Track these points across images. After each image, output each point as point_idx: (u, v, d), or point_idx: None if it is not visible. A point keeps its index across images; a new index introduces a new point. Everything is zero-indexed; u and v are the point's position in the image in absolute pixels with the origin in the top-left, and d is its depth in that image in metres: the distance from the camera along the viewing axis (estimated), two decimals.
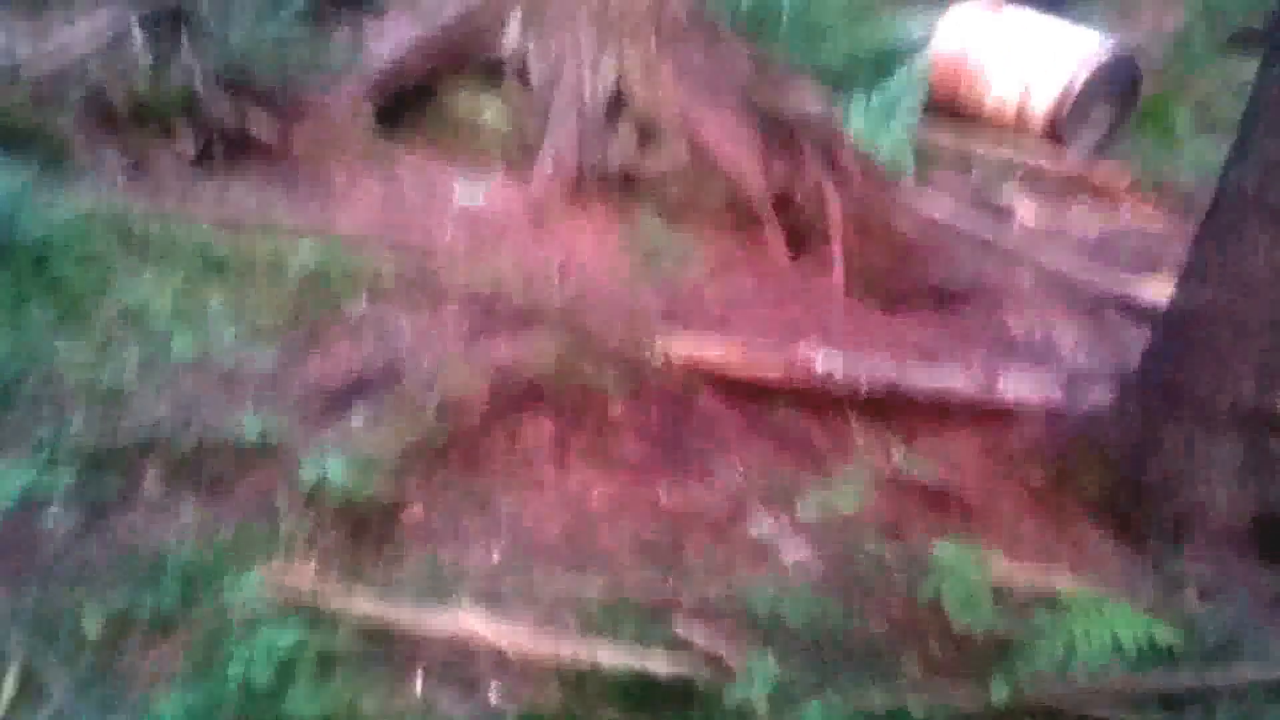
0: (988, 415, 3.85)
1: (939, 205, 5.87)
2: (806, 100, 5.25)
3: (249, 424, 3.26)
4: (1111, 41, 6.84)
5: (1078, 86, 6.60)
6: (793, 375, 3.72)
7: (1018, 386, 3.89)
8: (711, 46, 4.95)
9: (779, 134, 5.00)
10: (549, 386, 3.58)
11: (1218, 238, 3.47)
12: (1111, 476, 3.58)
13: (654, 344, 3.70)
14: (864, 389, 3.75)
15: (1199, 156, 7.56)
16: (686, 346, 3.71)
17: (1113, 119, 7.05)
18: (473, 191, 4.48)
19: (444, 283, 3.93)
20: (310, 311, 3.84)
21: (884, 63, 7.30)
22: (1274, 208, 3.29)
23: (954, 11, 7.19)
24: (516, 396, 3.55)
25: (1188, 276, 3.58)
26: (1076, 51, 6.72)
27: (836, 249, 4.76)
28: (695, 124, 4.73)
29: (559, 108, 4.70)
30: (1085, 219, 6.32)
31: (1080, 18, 8.25)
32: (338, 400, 3.47)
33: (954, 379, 3.85)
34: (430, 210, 4.37)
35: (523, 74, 4.84)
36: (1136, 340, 4.91)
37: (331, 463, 3.20)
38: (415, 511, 3.25)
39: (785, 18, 7.42)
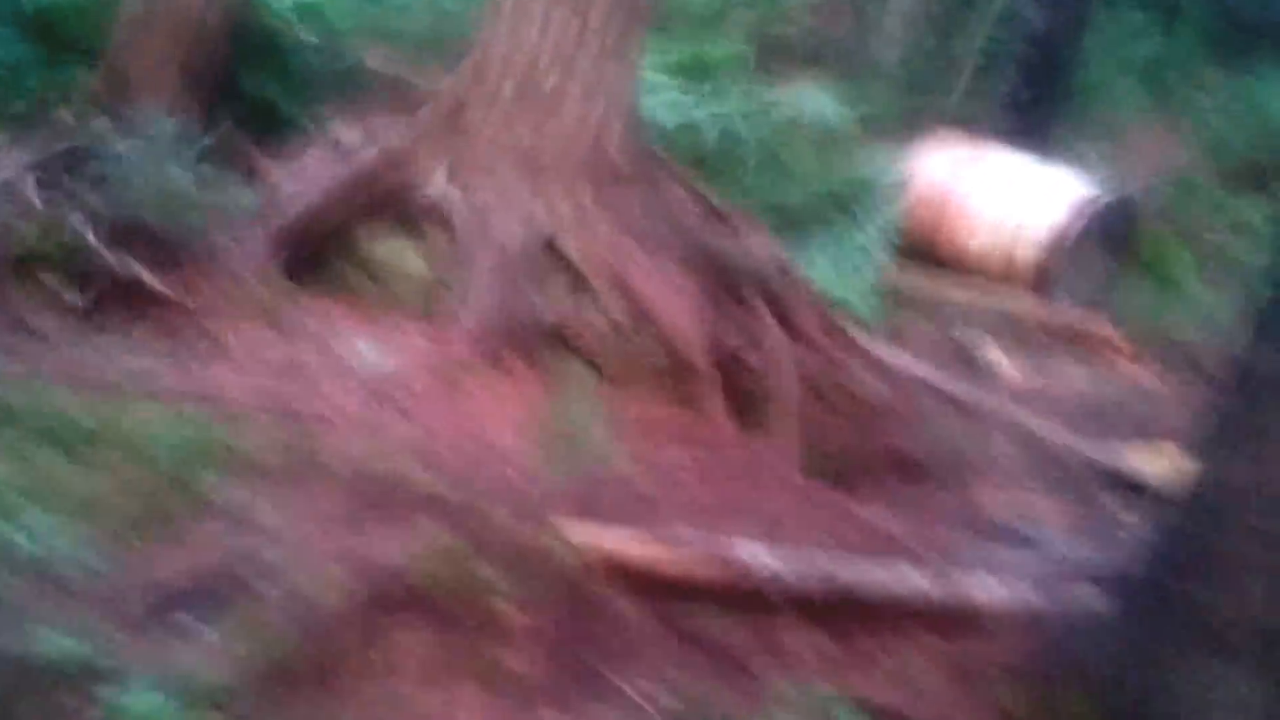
0: (953, 622, 3.27)
1: (909, 362, 5.36)
2: (760, 247, 4.78)
3: (46, 638, 2.69)
4: (1106, 186, 6.41)
5: (1072, 234, 6.15)
6: (725, 575, 3.14)
7: (989, 588, 3.31)
8: (654, 190, 4.49)
9: (727, 286, 4.51)
10: (434, 589, 3.02)
11: (1239, 431, 2.93)
12: (1102, 706, 2.98)
13: (564, 537, 3.15)
14: (809, 592, 3.18)
15: (1203, 308, 7.09)
16: (601, 540, 3.15)
17: (1107, 267, 6.58)
18: (380, 352, 3.98)
19: (329, 461, 3.39)
20: (171, 495, 3.30)
21: (856, 202, 6.89)
22: None
23: (934, 150, 6.79)
24: (393, 602, 2.98)
25: (1204, 472, 3.03)
26: (1069, 196, 6.29)
27: (787, 419, 4.23)
28: (632, 276, 4.24)
29: (483, 259, 4.22)
30: (1074, 377, 5.82)
31: (1076, 158, 7.89)
32: (174, 607, 2.90)
33: (914, 579, 3.27)
34: (331, 374, 3.85)
35: (448, 221, 4.38)
36: (1129, 526, 4.37)
37: (142, 694, 2.62)
38: None
39: (751, 154, 7.03)
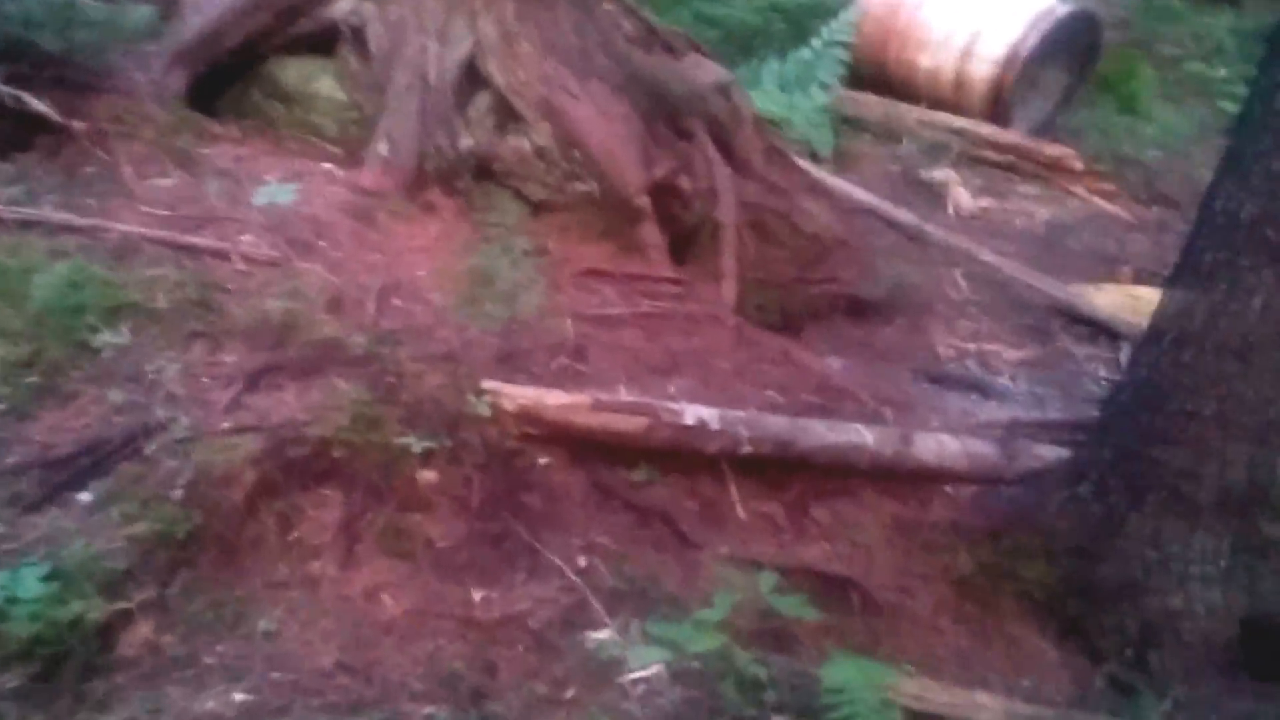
0: (905, 483, 3.06)
1: (859, 191, 5.06)
2: (701, 70, 4.39)
3: None
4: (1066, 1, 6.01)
5: (1025, 51, 5.77)
6: (657, 432, 2.89)
7: (943, 446, 3.10)
8: (586, 8, 4.07)
9: (665, 112, 4.14)
10: (342, 452, 2.75)
11: (1203, 278, 2.68)
12: (1058, 567, 2.81)
13: (482, 393, 2.87)
14: (747, 447, 2.94)
15: (1165, 129, 6.78)
16: (523, 397, 2.87)
17: (1067, 86, 6.23)
18: (289, 185, 3.59)
19: (230, 307, 3.06)
20: (53, 346, 2.97)
21: (802, 22, 6.46)
22: (1277, 244, 2.50)
23: None
24: (298, 467, 2.71)
25: (1164, 324, 2.79)
26: (1025, 10, 5.88)
27: (727, 256, 3.94)
28: (562, 103, 3.85)
29: (399, 84, 3.81)
30: (1032, 205, 5.53)
31: None
32: (60, 480, 2.62)
33: (864, 438, 3.04)
34: (235, 209, 3.48)
35: (360, 42, 3.94)
36: (1085, 368, 4.17)
37: (24, 571, 2.36)
38: (140, 634, 2.42)
39: None
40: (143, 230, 3.36)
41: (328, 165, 3.81)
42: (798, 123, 5.50)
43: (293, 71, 4.07)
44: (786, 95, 5.65)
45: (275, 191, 3.55)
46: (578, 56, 3.94)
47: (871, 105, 5.98)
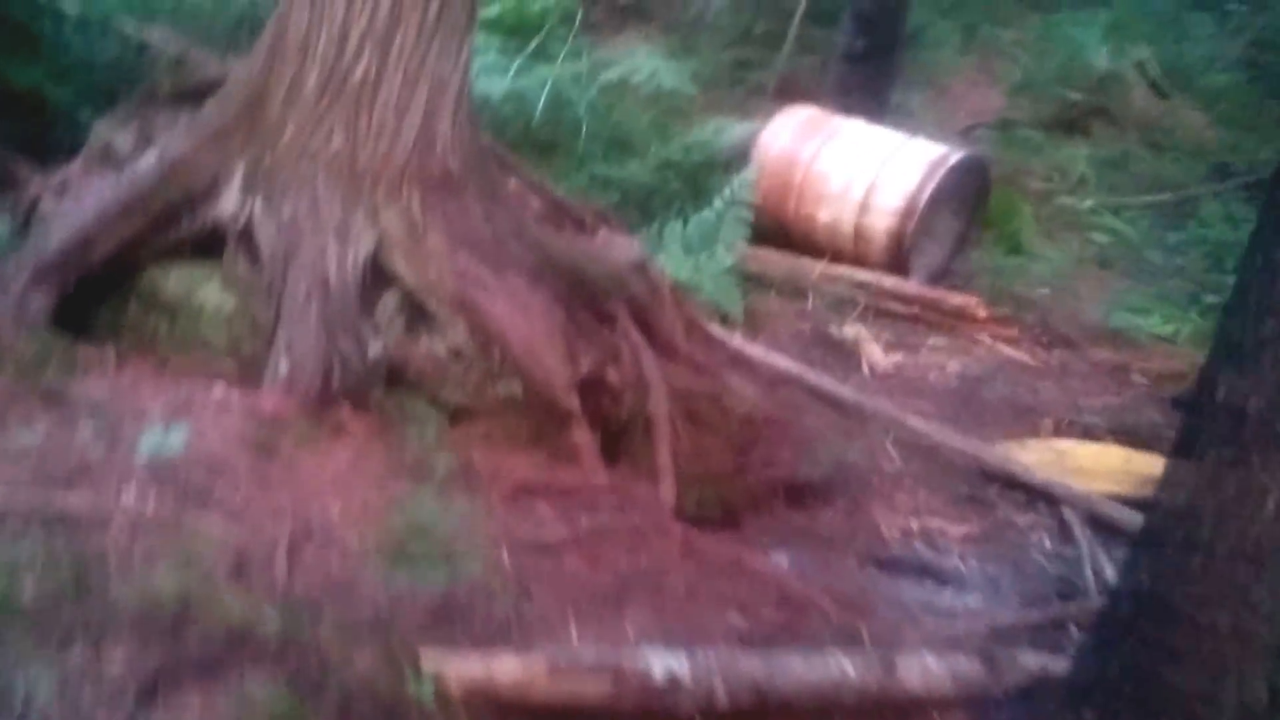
0: (888, 714, 2.71)
1: (779, 359, 4.78)
2: (615, 250, 4.09)
3: None
4: (956, 147, 5.92)
5: (921, 201, 5.63)
6: (625, 697, 2.49)
7: (925, 670, 2.75)
8: (493, 192, 3.73)
9: (584, 298, 3.81)
10: None
11: (1208, 477, 2.41)
12: None
13: (422, 670, 2.43)
14: (723, 701, 2.55)
15: (1048, 266, 6.71)
16: (470, 671, 2.45)
17: (960, 231, 6.12)
18: (176, 419, 3.13)
19: (114, 590, 2.57)
20: None
21: (700, 181, 6.26)
22: None
23: (778, 120, 6.17)
24: None
25: (1165, 528, 2.52)
26: (918, 161, 5.76)
27: (663, 454, 3.59)
28: (477, 299, 3.49)
29: (296, 290, 3.40)
30: (943, 357, 5.32)
31: (903, 114, 7.40)
32: None
33: (841, 668, 2.68)
34: (114, 455, 3.00)
35: (250, 244, 3.53)
36: (1035, 542, 3.92)
37: None
38: None
39: (584, 128, 6.30)
40: (2, 497, 2.84)
41: (221, 388, 3.34)
42: (706, 286, 5.24)
43: (175, 280, 3.61)
44: (691, 258, 5.39)
45: (161, 433, 3.08)
46: (490, 246, 3.59)
47: (775, 262, 5.76)
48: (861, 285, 5.63)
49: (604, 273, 3.88)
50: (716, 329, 4.85)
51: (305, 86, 3.33)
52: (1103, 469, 4.27)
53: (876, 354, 5.15)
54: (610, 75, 6.59)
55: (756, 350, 4.80)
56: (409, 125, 3.37)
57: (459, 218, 3.53)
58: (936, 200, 5.63)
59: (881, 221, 5.69)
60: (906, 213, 5.61)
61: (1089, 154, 8.78)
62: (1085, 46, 10.48)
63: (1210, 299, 6.42)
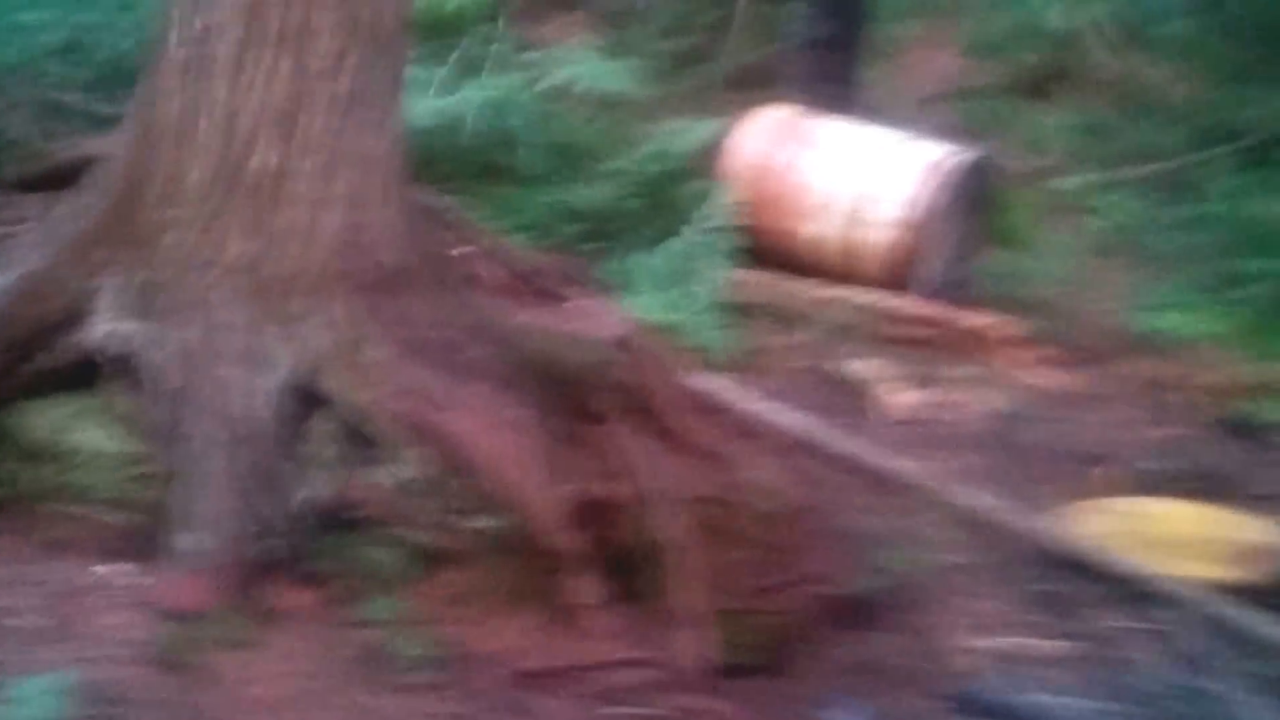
0: None
1: (793, 419, 4.07)
2: (593, 324, 3.33)
3: None
4: (955, 147, 5.20)
5: (920, 212, 4.92)
6: None
7: None
8: (443, 279, 2.96)
9: (564, 399, 3.05)
10: None
11: None
12: None
13: None
14: None
15: (1051, 259, 6.08)
16: None
17: (963, 238, 5.41)
18: (55, 620, 2.35)
19: None
20: None
21: (671, 199, 5.50)
22: None
23: (746, 123, 5.42)
24: None
25: None
26: (914, 165, 5.05)
27: (680, 591, 2.85)
28: (434, 420, 2.72)
29: (196, 437, 2.60)
30: (965, 393, 4.63)
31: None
32: None
33: None
34: None
35: (131, 374, 2.73)
36: (1144, 658, 3.23)
37: None
38: None
39: (530, 146, 5.50)
40: None
41: (107, 570, 2.55)
42: (687, 328, 4.49)
43: (41, 420, 2.80)
44: (666, 293, 4.64)
45: (38, 629, 2.28)
46: (445, 350, 2.81)
47: (758, 286, 5.02)
48: (861, 309, 4.92)
49: (584, 359, 3.12)
50: (708, 381, 4.13)
51: (186, 181, 2.53)
52: (1186, 537, 3.61)
53: (891, 395, 4.44)
54: (547, 82, 5.78)
55: (760, 407, 4.06)
56: (328, 219, 2.58)
57: (402, 321, 2.75)
58: (937, 209, 4.93)
59: (876, 235, 4.98)
60: (906, 225, 4.90)
61: (1057, 122, 8.16)
62: (1035, 3, 9.87)
63: (1231, 293, 5.82)
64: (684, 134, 5.80)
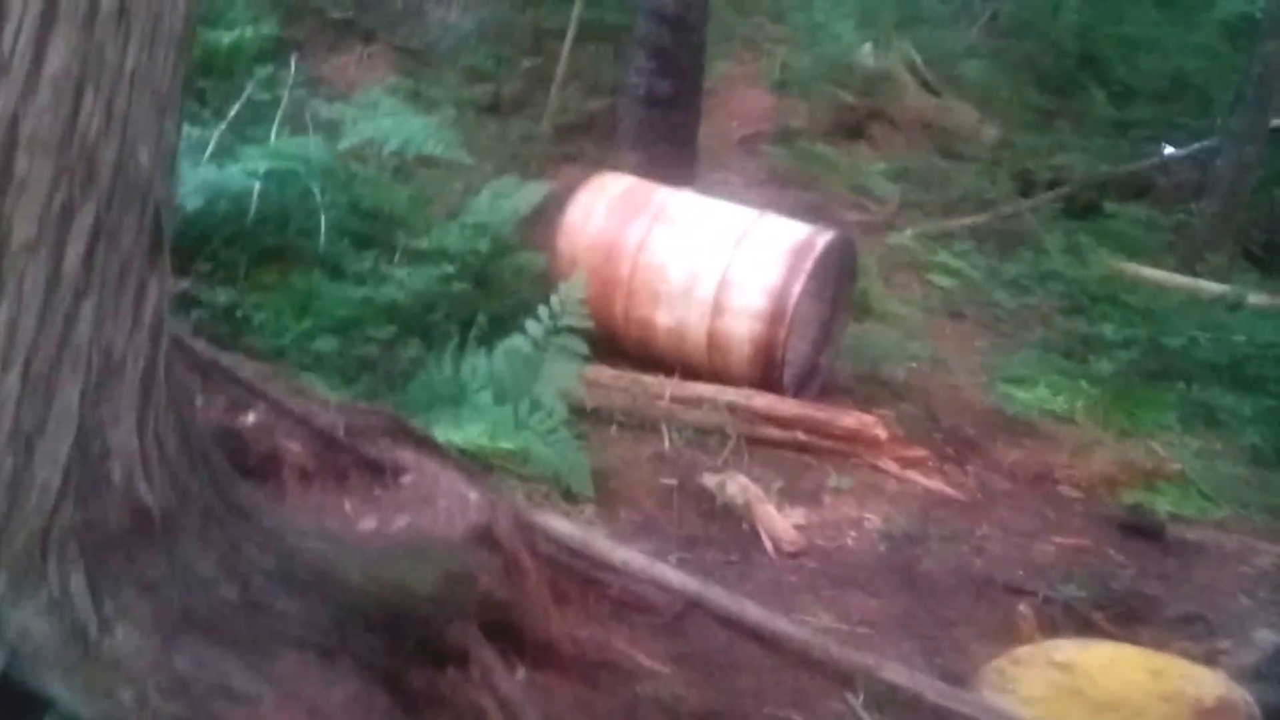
0: None
1: (670, 573, 3.24)
2: (438, 515, 2.41)
3: None
4: (816, 227, 4.49)
5: (792, 300, 4.20)
6: None
7: None
8: (231, 503, 1.99)
9: (415, 644, 2.13)
10: None
11: None
12: None
13: None
14: None
15: (901, 325, 5.51)
16: None
17: (826, 321, 4.74)
18: None
19: None
20: None
21: (495, 274, 4.62)
22: None
23: (585, 194, 4.59)
24: None
25: None
26: (777, 246, 4.32)
27: None
28: (226, 714, 1.79)
29: None
30: (852, 508, 3.97)
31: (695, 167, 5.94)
32: None
33: None
34: None
35: None
36: None
37: None
38: None
39: (323, 220, 4.49)
40: None
41: None
42: (537, 452, 3.61)
43: None
44: (507, 408, 3.74)
45: None
46: (235, 616, 1.86)
47: (612, 387, 4.20)
48: (728, 407, 4.16)
49: (433, 580, 2.21)
50: (571, 530, 3.28)
51: None
52: (1138, 699, 2.99)
53: (776, 522, 3.69)
54: (349, 140, 4.77)
55: (638, 561, 3.22)
56: (47, 456, 1.59)
57: (170, 580, 1.78)
58: (803, 297, 4.21)
59: (742, 326, 4.23)
60: (774, 315, 4.17)
61: (884, 168, 7.66)
62: (846, 40, 9.41)
63: (1095, 361, 5.37)
64: (508, 199, 4.92)
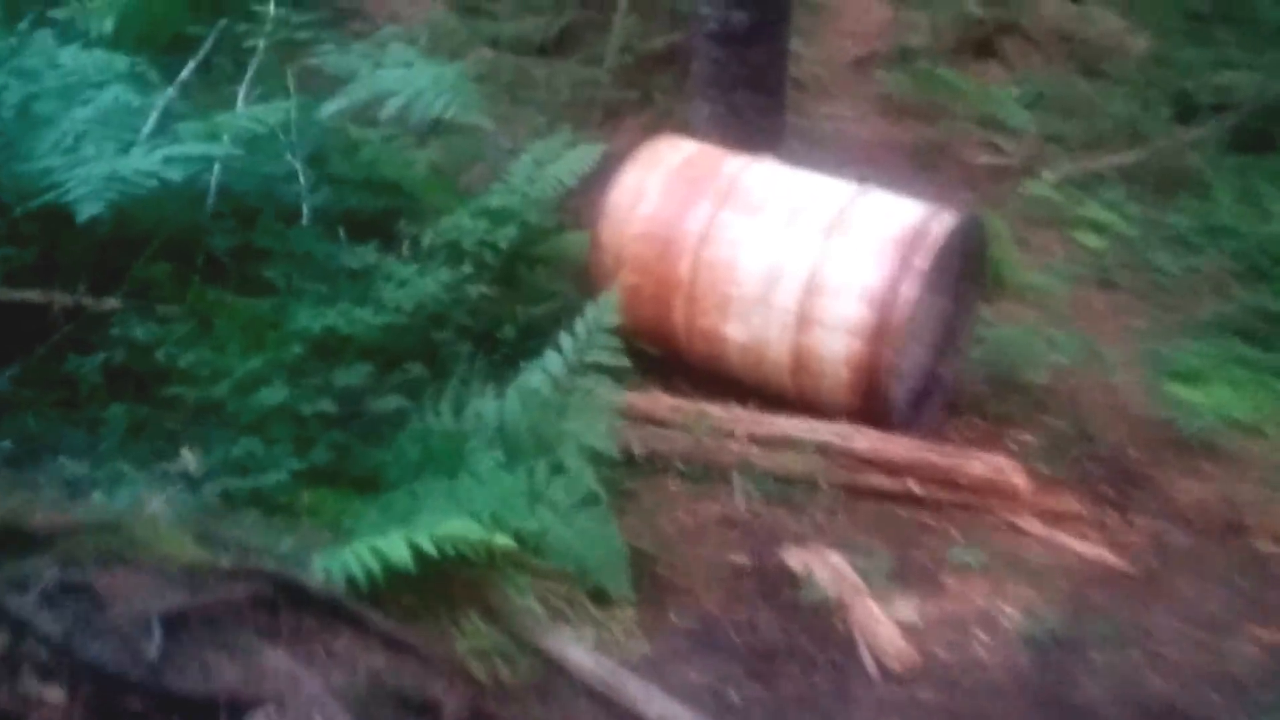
0: None
1: None
2: None
3: None
4: (933, 207, 3.37)
5: (900, 312, 3.13)
6: None
7: None
8: None
9: None
10: None
11: None
12: None
13: None
14: None
15: (1044, 305, 4.38)
16: None
17: (950, 318, 3.65)
18: None
19: None
20: None
21: (521, 273, 3.66)
22: None
23: (635, 166, 3.57)
24: None
25: None
26: (881, 235, 3.24)
27: None
28: None
29: None
30: (983, 596, 2.96)
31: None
32: None
33: None
34: None
35: None
36: None
37: None
38: None
39: (305, 208, 3.58)
40: None
41: None
42: (558, 538, 2.66)
43: None
44: (519, 475, 2.77)
45: None
46: None
47: (670, 422, 3.22)
48: (820, 451, 3.15)
49: None
50: (585, 660, 2.37)
51: None
52: None
53: (880, 629, 2.70)
54: (342, 101, 3.76)
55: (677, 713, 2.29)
56: None
57: None
58: (914, 305, 3.13)
59: (837, 344, 3.18)
60: (878, 330, 3.11)
61: (1018, 93, 6.38)
62: None
63: (1273, 358, 4.14)
64: (552, 165, 3.90)
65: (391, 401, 2.90)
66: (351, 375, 2.90)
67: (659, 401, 3.29)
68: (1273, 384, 4.00)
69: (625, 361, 2.87)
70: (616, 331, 2.99)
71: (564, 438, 2.84)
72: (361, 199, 3.74)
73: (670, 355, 3.47)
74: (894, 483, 3.13)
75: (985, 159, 5.53)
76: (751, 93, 4.15)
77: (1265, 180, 5.37)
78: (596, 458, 2.80)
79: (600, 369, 2.88)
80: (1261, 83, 6.37)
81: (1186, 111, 6.22)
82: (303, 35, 4.42)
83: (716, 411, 3.26)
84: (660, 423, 3.24)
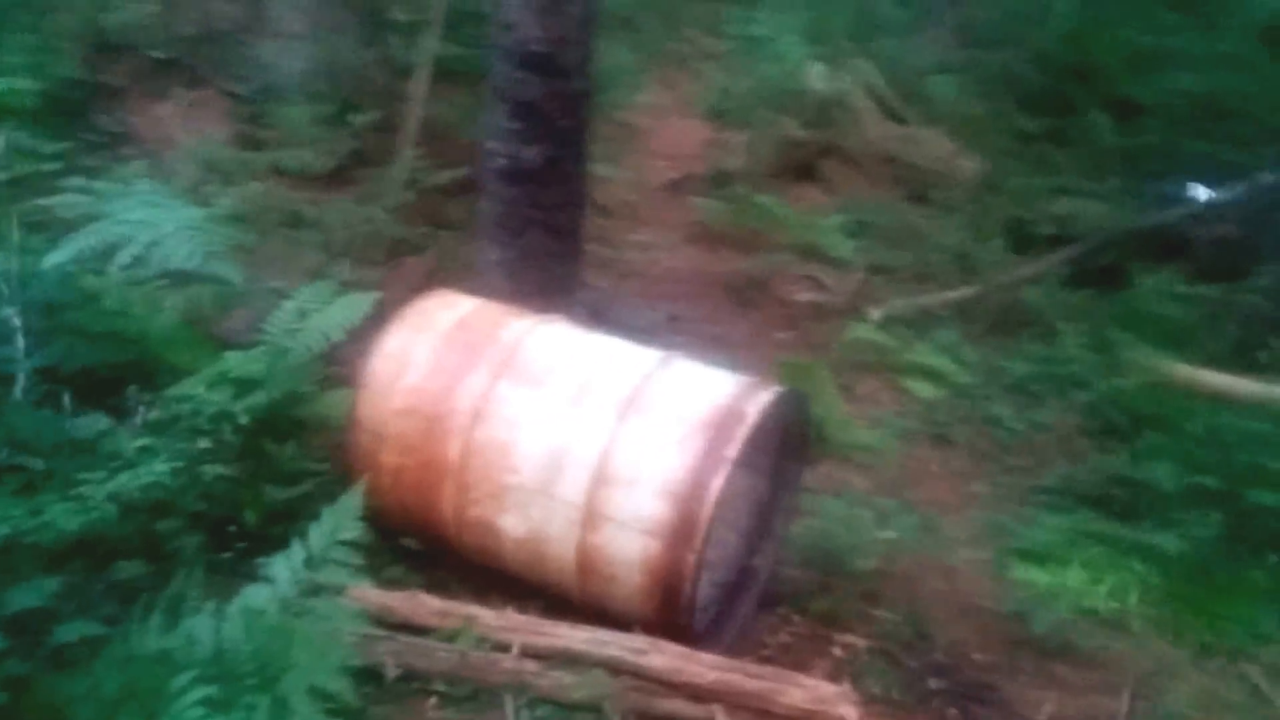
0: None
1: None
2: None
3: None
4: (749, 380, 3.00)
5: (707, 507, 2.73)
6: None
7: None
8: None
9: None
10: None
11: None
12: None
13: None
14: None
15: (875, 473, 4.07)
16: None
17: (766, 511, 3.29)
18: None
19: None
20: None
21: (267, 449, 3.15)
22: None
23: (402, 327, 3.12)
24: None
25: None
26: (686, 411, 2.86)
27: None
28: None
29: None
30: None
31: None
32: None
33: None
34: None
35: None
36: None
37: None
38: None
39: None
40: None
41: None
42: None
43: None
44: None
45: None
46: None
47: (434, 627, 2.73)
48: (609, 668, 2.70)
49: None
50: None
51: None
52: None
53: None
54: (69, 250, 3.25)
55: None
56: None
57: None
58: (722, 498, 2.74)
59: (631, 544, 2.76)
60: (679, 530, 2.70)
61: (841, 220, 6.20)
62: (792, 59, 8.00)
63: (1148, 523, 3.88)
64: (316, 319, 3.46)
65: (76, 629, 2.35)
66: (30, 595, 2.34)
67: (421, 604, 2.80)
68: (1133, 565, 3.71)
69: (367, 581, 2.39)
70: (375, 521, 2.53)
71: (290, 672, 2.32)
72: (101, 354, 3.23)
73: (437, 548, 3.00)
74: (697, 710, 2.69)
75: (806, 295, 5.29)
76: (545, 236, 3.78)
77: (1114, 323, 5.14)
78: (328, 695, 2.29)
79: (335, 591, 2.38)
80: (1100, 210, 6.32)
81: (1022, 242, 6.09)
82: (49, 167, 4.07)
83: (488, 618, 2.78)
84: (421, 629, 2.75)
